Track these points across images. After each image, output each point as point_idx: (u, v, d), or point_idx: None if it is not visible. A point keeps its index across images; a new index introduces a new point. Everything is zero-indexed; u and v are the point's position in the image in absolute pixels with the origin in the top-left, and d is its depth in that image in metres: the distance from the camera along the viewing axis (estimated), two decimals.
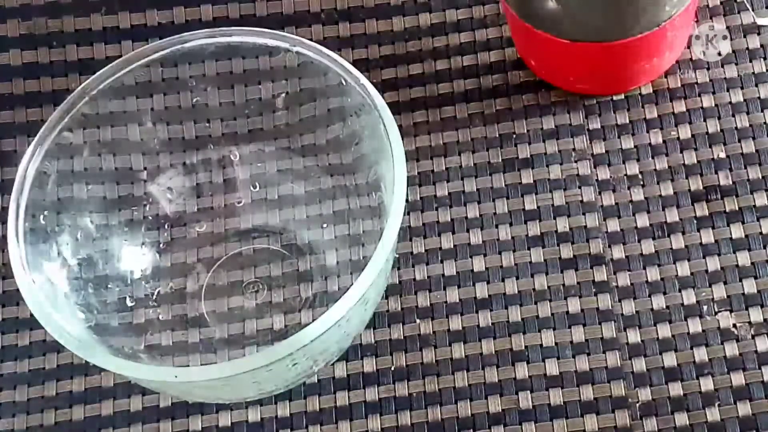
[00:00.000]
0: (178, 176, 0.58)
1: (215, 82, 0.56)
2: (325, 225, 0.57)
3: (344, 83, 0.51)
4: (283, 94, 0.56)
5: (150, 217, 0.57)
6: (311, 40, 0.52)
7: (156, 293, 0.56)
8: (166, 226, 0.58)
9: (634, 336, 0.54)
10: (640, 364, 0.54)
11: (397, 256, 0.56)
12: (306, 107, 0.56)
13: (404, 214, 0.46)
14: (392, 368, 0.54)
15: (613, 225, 0.57)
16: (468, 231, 0.57)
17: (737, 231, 0.56)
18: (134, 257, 0.57)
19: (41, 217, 0.50)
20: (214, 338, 0.56)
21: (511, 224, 0.57)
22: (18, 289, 0.56)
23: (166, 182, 0.57)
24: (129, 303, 0.55)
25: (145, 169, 0.57)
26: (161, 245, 0.57)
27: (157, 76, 0.54)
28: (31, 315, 0.56)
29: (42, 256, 0.49)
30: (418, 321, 0.55)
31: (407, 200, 0.53)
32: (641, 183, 0.58)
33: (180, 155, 0.58)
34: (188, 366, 0.54)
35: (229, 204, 0.59)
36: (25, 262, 0.48)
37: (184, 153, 0.58)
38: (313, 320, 0.43)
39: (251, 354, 0.53)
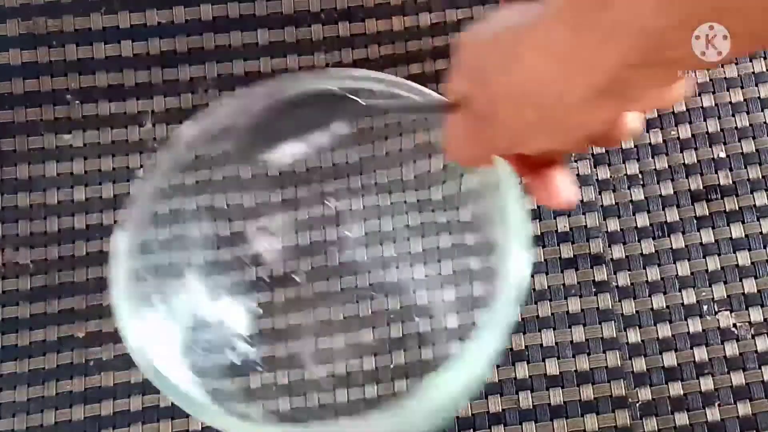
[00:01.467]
0: (289, 235, 0.56)
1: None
2: (440, 285, 0.55)
3: None
4: (400, 149, 0.55)
5: (261, 278, 0.55)
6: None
7: (267, 355, 0.54)
8: (277, 287, 0.56)
9: (634, 336, 0.54)
10: (640, 364, 0.54)
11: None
12: (420, 163, 0.54)
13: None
14: (392, 366, 0.54)
15: (613, 224, 0.57)
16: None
17: (737, 231, 0.56)
18: (244, 318, 0.55)
19: (148, 279, 0.48)
20: (331, 402, 0.54)
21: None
22: (18, 289, 0.57)
23: (278, 243, 0.56)
24: (240, 364, 0.53)
25: (256, 229, 0.55)
26: (272, 306, 0.55)
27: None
28: (31, 315, 0.56)
29: (151, 317, 0.47)
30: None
31: None
32: (641, 183, 0.58)
33: (292, 213, 0.56)
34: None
35: (343, 262, 0.56)
36: (132, 321, 0.45)
37: (296, 211, 0.56)
38: (433, 382, 0.42)
39: (375, 419, 0.50)
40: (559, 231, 0.57)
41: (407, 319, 0.55)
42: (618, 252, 0.56)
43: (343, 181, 0.55)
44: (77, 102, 0.60)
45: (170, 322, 0.48)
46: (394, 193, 0.55)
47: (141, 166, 0.58)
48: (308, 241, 0.56)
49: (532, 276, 0.56)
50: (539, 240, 0.56)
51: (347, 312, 0.55)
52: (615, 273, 0.56)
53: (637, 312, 0.55)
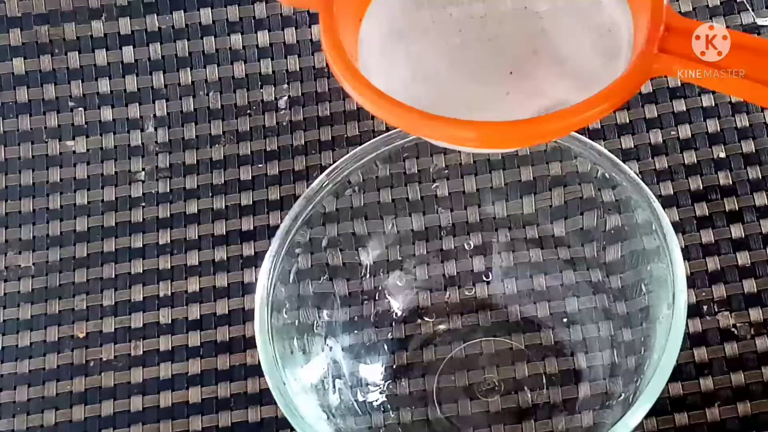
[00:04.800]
0: (414, 270, 0.55)
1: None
2: (576, 322, 0.54)
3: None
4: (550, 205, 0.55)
5: (385, 313, 0.55)
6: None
7: (394, 394, 0.54)
8: (401, 323, 0.55)
9: (629, 335, 0.54)
10: None
11: None
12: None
13: None
14: (393, 366, 0.54)
15: (612, 223, 0.56)
16: (468, 234, 0.57)
17: (737, 231, 0.56)
18: (371, 359, 0.54)
19: (285, 312, 0.48)
20: None
21: (510, 228, 0.57)
22: (19, 291, 0.57)
23: (400, 277, 0.55)
24: (366, 403, 0.53)
25: (386, 261, 0.54)
26: (396, 343, 0.55)
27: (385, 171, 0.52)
28: (32, 316, 0.56)
29: (290, 360, 0.48)
30: (420, 321, 0.55)
31: None
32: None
33: (409, 247, 0.55)
34: None
35: (464, 298, 0.56)
36: (277, 363, 0.45)
37: (413, 245, 0.55)
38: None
39: None
40: (556, 235, 0.56)
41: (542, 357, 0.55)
42: (616, 252, 0.56)
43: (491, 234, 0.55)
44: (80, 108, 0.61)
45: (306, 367, 0.49)
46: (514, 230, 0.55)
47: (143, 169, 0.59)
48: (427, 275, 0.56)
49: (531, 277, 0.56)
50: (537, 242, 0.56)
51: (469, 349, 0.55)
52: (608, 276, 0.55)
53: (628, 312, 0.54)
